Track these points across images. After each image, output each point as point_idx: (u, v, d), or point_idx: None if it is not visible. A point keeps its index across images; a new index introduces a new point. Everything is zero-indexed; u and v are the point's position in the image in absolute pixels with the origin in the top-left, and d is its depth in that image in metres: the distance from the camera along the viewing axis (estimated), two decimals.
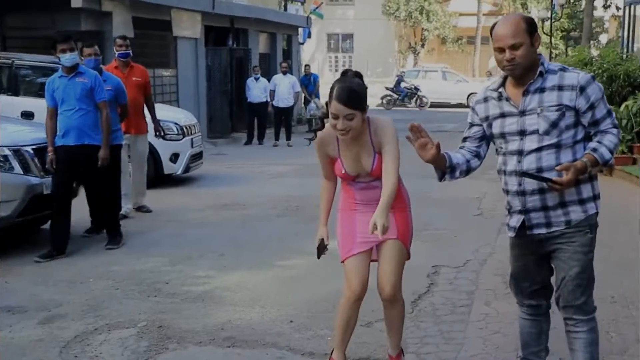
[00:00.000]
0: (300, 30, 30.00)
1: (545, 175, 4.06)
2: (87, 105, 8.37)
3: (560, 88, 4.07)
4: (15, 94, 13.07)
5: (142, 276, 7.53)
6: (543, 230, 4.23)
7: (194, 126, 14.31)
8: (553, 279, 4.43)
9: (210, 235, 9.48)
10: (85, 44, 9.41)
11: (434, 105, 37.75)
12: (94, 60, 9.21)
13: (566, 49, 36.10)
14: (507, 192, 4.33)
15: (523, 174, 4.16)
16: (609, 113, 4.14)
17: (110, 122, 8.53)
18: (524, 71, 4.08)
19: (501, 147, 4.32)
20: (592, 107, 4.06)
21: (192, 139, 13.87)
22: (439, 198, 11.42)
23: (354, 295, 4.65)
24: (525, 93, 4.13)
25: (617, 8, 31.44)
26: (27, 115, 11.79)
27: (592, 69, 15.39)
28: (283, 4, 29.91)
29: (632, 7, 18.12)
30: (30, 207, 8.39)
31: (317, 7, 36.48)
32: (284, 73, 22.41)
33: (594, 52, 17.53)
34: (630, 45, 18.34)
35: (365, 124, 4.61)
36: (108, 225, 8.98)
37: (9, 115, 8.55)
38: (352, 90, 4.54)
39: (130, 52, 10.73)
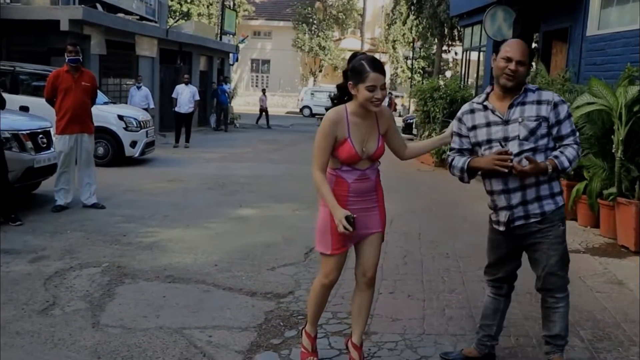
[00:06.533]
0: (231, 55, 29.78)
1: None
2: None
3: (539, 102, 3.71)
4: (16, 92, 12.73)
5: (106, 230, 7.48)
6: (522, 222, 3.76)
7: (149, 121, 14.29)
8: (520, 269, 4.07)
9: (158, 202, 9.42)
10: None
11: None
12: None
13: (422, 79, 36.75)
14: (492, 192, 3.84)
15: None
16: (572, 132, 3.75)
17: None
18: (515, 85, 3.70)
19: (486, 152, 3.80)
20: (559, 122, 3.71)
21: (147, 131, 13.91)
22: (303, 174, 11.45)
23: (331, 284, 3.90)
24: (510, 106, 3.72)
25: (455, 53, 32.71)
26: (24, 109, 11.45)
27: (440, 93, 15.83)
28: (219, 35, 29.67)
29: (468, 52, 18.73)
30: (24, 176, 8.32)
31: (243, 39, 36.78)
32: (186, 84, 18.74)
33: (441, 82, 17.94)
34: (466, 78, 18.92)
35: None
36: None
37: (10, 108, 8.36)
38: (380, 60, 3.69)
39: (80, 57, 8.58)
